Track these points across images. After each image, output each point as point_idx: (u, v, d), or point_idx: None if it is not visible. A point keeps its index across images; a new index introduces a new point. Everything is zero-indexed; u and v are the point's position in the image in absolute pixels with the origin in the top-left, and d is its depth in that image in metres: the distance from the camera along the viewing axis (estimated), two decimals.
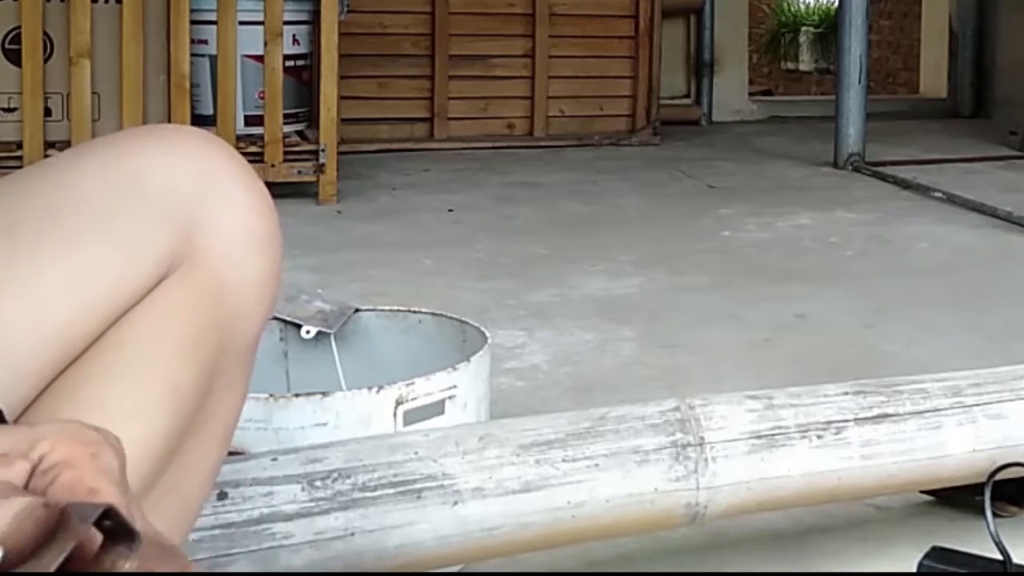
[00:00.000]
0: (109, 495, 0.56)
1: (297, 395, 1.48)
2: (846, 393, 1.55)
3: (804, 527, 1.71)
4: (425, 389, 1.51)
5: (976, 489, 1.56)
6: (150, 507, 0.76)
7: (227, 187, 0.87)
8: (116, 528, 0.54)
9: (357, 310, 1.82)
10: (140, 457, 0.76)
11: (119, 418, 0.75)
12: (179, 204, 0.84)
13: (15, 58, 3.84)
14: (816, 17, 11.03)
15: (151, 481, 0.78)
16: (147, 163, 0.84)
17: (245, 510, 1.24)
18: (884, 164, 4.91)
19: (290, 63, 4.21)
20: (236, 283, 0.86)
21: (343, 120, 4.40)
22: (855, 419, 1.52)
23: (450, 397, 1.53)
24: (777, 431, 1.48)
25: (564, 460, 1.38)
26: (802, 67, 10.89)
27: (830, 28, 9.66)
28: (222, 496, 1.23)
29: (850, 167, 4.89)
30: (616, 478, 1.39)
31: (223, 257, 0.85)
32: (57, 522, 0.53)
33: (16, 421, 0.74)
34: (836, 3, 6.03)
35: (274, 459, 1.29)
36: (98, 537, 0.54)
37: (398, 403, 1.49)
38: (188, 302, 0.83)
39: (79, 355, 0.79)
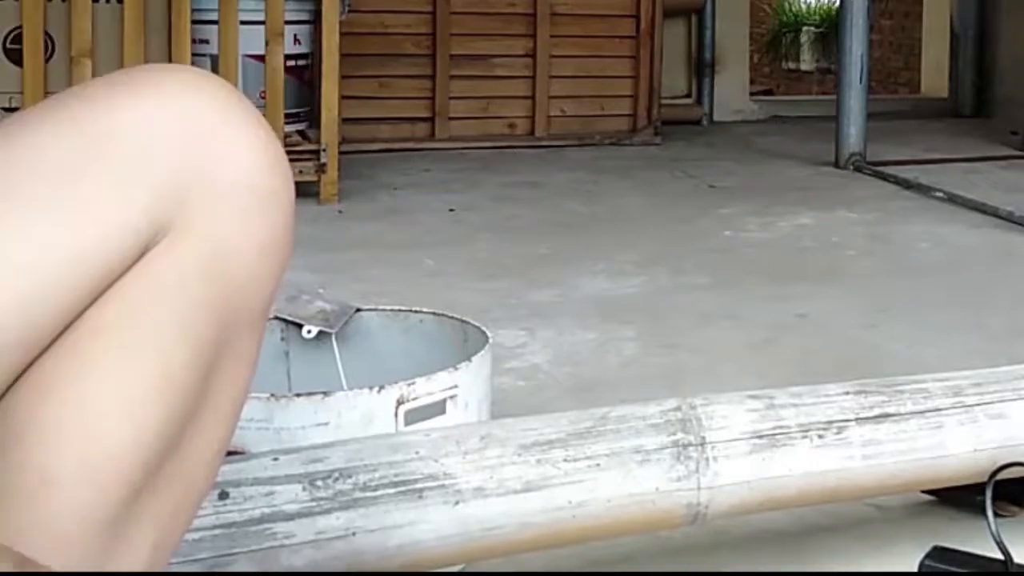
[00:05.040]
0: None
1: (298, 395, 1.48)
2: (847, 393, 1.55)
3: (805, 527, 1.71)
4: (426, 389, 1.51)
5: (977, 489, 1.56)
6: (147, 502, 0.73)
7: (220, 137, 0.74)
8: None
9: (358, 310, 1.82)
10: (131, 460, 0.70)
11: (106, 418, 0.69)
12: (160, 161, 0.72)
13: (16, 58, 3.85)
14: (817, 17, 11.03)
15: (147, 479, 0.71)
16: (119, 116, 0.72)
17: (246, 510, 1.24)
18: (885, 164, 4.90)
19: (291, 63, 4.21)
20: (236, 249, 0.75)
21: (344, 120, 4.40)
22: (856, 419, 1.52)
23: (451, 397, 1.53)
24: (778, 431, 1.48)
25: (565, 460, 1.38)
26: (803, 67, 10.89)
27: (831, 28, 9.66)
28: (223, 496, 1.23)
29: (851, 167, 4.88)
30: (617, 478, 1.39)
31: (219, 219, 0.74)
32: None
33: None
34: (837, 3, 6.02)
35: (275, 459, 1.29)
36: None
37: (399, 403, 1.49)
38: (179, 274, 0.72)
39: (52, 341, 0.70)
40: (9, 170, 0.71)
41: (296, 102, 4.27)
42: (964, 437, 1.56)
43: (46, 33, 3.85)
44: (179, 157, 0.73)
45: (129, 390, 0.71)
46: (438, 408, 1.52)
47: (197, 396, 0.74)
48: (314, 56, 4.27)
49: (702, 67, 6.44)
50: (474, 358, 1.57)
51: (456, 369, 1.54)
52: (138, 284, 0.72)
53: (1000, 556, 1.46)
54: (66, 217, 0.70)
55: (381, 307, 1.87)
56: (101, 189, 0.71)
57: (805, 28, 10.96)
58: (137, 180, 0.72)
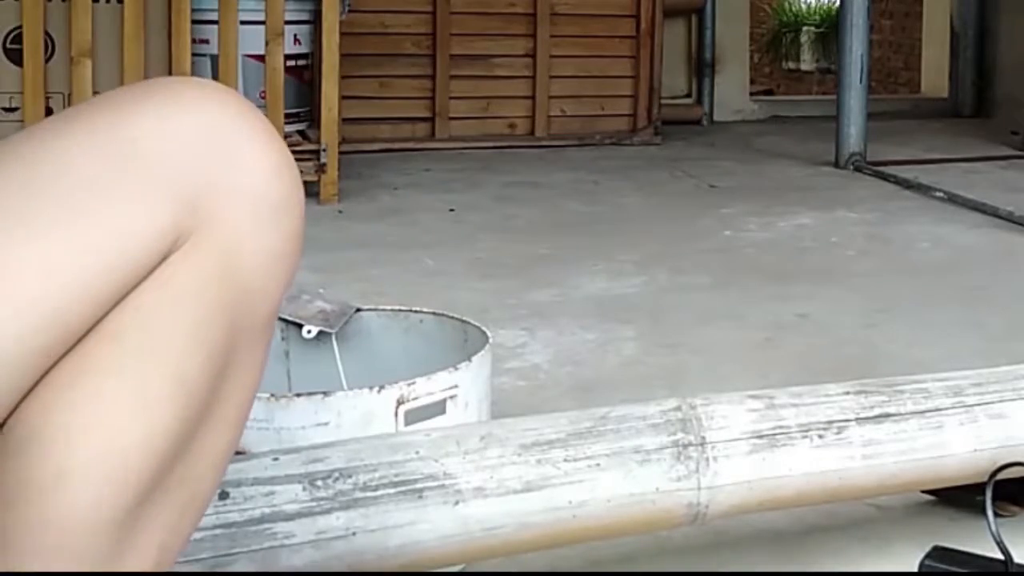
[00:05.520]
0: None
1: (298, 395, 1.48)
2: (847, 393, 1.55)
3: (805, 527, 1.71)
4: (426, 389, 1.51)
5: (977, 489, 1.56)
6: (156, 502, 0.74)
7: (236, 147, 0.77)
8: None
9: (358, 310, 1.82)
10: (143, 459, 0.72)
11: (120, 417, 0.71)
12: (181, 171, 0.75)
13: (16, 58, 3.85)
14: (817, 17, 11.02)
15: (157, 479, 0.73)
16: (143, 126, 0.75)
17: (246, 510, 1.24)
18: (885, 164, 4.90)
19: (291, 63, 4.21)
20: (249, 256, 0.77)
21: (344, 120, 4.40)
22: (856, 419, 1.52)
23: (451, 397, 1.53)
24: (778, 431, 1.48)
25: (565, 460, 1.38)
26: (803, 67, 10.88)
27: (831, 28, 9.66)
28: (223, 496, 1.23)
29: (851, 167, 4.89)
30: (617, 478, 1.39)
31: (233, 227, 0.76)
32: None
33: (8, 417, 0.70)
34: (837, 3, 6.02)
35: (275, 459, 1.29)
36: None
37: (399, 403, 1.49)
38: (195, 281, 0.75)
39: (75, 344, 0.72)
40: (38, 178, 0.73)
41: (296, 102, 4.27)
42: (964, 437, 1.56)
43: (46, 33, 3.85)
44: (199, 166, 0.76)
45: (143, 391, 0.73)
46: (438, 408, 1.52)
47: (207, 399, 0.76)
48: (314, 56, 4.28)
49: (702, 67, 6.44)
50: (474, 358, 1.57)
51: (456, 369, 1.54)
52: (155, 290, 0.74)
53: (1000, 556, 1.46)
54: (98, 223, 0.72)
55: (381, 307, 1.87)
56: (130, 197, 0.74)
57: (805, 28, 10.96)
58: (162, 188, 0.74)
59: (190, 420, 0.75)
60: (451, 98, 5.44)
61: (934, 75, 7.31)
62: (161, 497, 0.74)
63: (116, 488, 0.71)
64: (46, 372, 0.72)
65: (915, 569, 1.50)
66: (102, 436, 0.71)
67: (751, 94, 7.04)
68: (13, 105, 3.87)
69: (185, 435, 0.75)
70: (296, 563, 1.25)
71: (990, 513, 1.46)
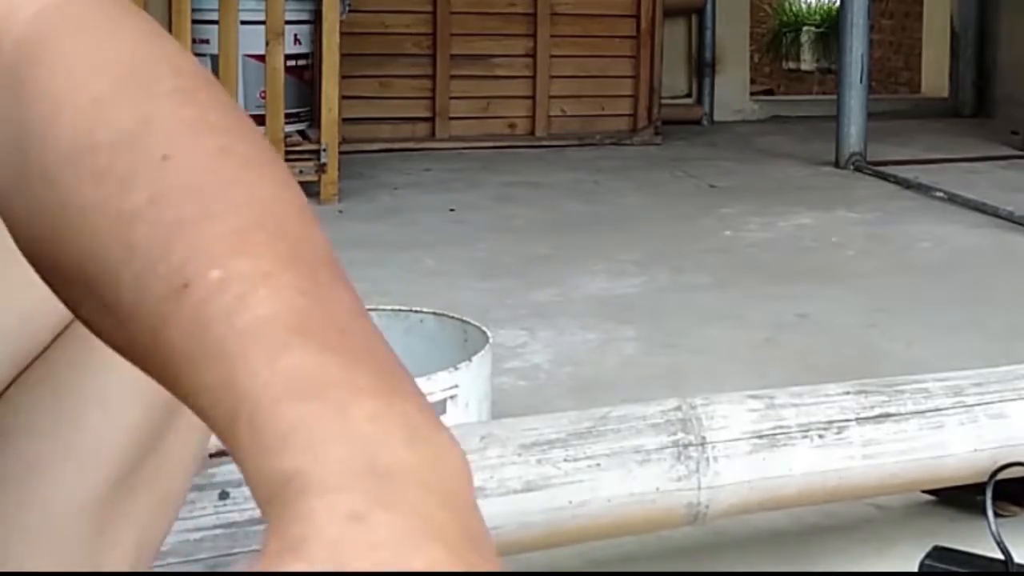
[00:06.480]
0: None
1: None
2: (848, 393, 1.55)
3: (805, 527, 1.71)
4: (427, 389, 1.51)
5: (977, 489, 1.56)
6: (128, 498, 0.76)
7: None
8: None
9: None
10: (112, 454, 0.74)
11: (88, 412, 0.73)
12: None
13: None
14: (818, 17, 11.03)
15: (127, 473, 0.75)
16: None
17: (247, 509, 1.24)
18: (885, 164, 4.90)
19: (291, 63, 4.21)
20: None
21: (344, 119, 4.41)
22: (856, 419, 1.52)
23: (452, 396, 1.53)
24: (779, 431, 1.48)
25: (566, 460, 1.38)
26: (804, 67, 10.88)
27: (832, 28, 9.66)
28: (224, 496, 1.23)
29: (851, 167, 4.89)
30: (618, 478, 1.39)
31: None
32: None
33: None
34: (838, 3, 6.02)
35: None
36: None
37: None
38: None
39: (47, 346, 0.74)
40: None
41: (296, 102, 4.27)
42: (964, 437, 1.56)
43: None
44: None
45: (111, 387, 0.75)
46: (438, 408, 1.52)
47: (173, 400, 0.78)
48: (314, 56, 4.28)
49: (702, 67, 6.44)
50: (474, 358, 1.57)
51: (456, 369, 1.54)
52: None
53: (1000, 556, 1.46)
54: None
55: (382, 307, 1.87)
56: None
57: (805, 28, 10.96)
58: None
59: (157, 418, 0.77)
60: (451, 98, 5.45)
61: (934, 75, 7.32)
62: (132, 494, 0.76)
63: (89, 477, 0.73)
64: (17, 376, 0.74)
65: (915, 569, 1.50)
66: (71, 430, 0.73)
67: (751, 94, 7.04)
68: None
69: (153, 432, 0.77)
70: None
71: (990, 513, 1.46)
